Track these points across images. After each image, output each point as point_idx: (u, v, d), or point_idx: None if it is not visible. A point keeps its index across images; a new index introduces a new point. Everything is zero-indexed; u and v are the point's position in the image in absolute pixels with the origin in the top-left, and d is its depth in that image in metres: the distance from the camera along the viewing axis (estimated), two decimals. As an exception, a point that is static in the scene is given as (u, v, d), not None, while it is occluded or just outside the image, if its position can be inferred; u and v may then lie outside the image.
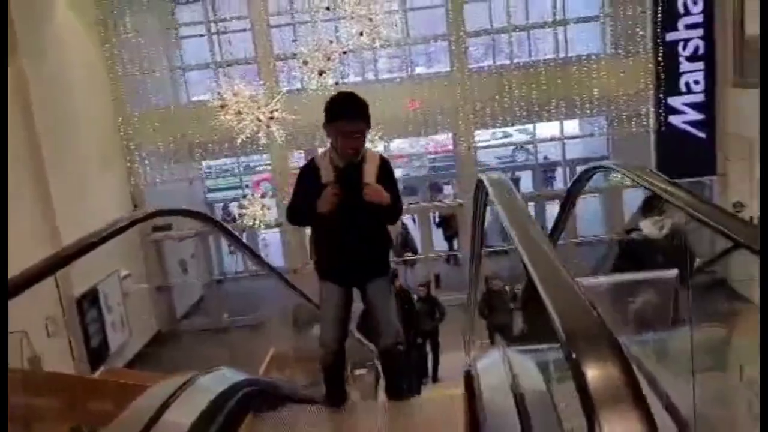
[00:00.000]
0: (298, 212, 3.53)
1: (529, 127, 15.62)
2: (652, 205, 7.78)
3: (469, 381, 2.93)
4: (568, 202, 3.38)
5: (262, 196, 12.47)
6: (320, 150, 13.27)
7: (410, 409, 3.38)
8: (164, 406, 2.42)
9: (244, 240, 17.72)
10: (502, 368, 2.72)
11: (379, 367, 8.15)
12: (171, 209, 3.49)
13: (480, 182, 2.98)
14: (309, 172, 3.46)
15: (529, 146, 17.06)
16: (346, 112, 3.34)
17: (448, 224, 16.23)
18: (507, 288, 10.27)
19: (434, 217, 16.26)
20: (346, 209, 3.30)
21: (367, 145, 3.53)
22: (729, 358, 1.58)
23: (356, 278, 3.52)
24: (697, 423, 2.08)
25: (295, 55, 12.16)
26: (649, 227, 7.15)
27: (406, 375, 3.87)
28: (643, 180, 2.55)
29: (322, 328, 3.53)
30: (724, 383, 1.63)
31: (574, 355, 1.00)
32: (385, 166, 3.44)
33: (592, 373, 0.96)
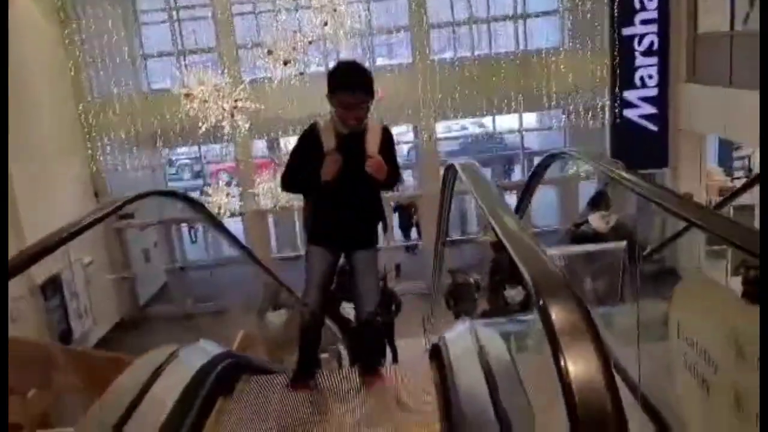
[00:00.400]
0: (294, 178, 3.47)
1: (483, 120, 15.87)
2: (599, 201, 8.21)
3: (437, 352, 3.12)
4: (530, 184, 3.61)
5: (227, 184, 12.53)
6: (282, 141, 13.22)
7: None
8: (155, 375, 2.57)
9: (210, 228, 17.67)
10: (469, 339, 2.92)
11: (343, 351, 8.29)
12: (164, 190, 3.62)
13: (450, 166, 3.17)
14: (310, 138, 3.41)
15: (483, 140, 17.38)
16: (347, 84, 3.27)
17: (404, 213, 16.35)
18: (472, 280, 10.54)
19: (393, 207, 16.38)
20: (346, 178, 3.30)
21: None
22: (670, 322, 1.80)
23: (347, 246, 3.53)
24: (641, 375, 2.32)
25: (259, 44, 12.21)
26: (596, 221, 7.55)
27: (378, 347, 3.99)
28: (602, 167, 2.77)
29: (306, 289, 3.50)
30: (665, 343, 1.86)
31: (541, 302, 1.20)
32: (387, 137, 3.44)
33: (556, 315, 1.16)
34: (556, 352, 1.11)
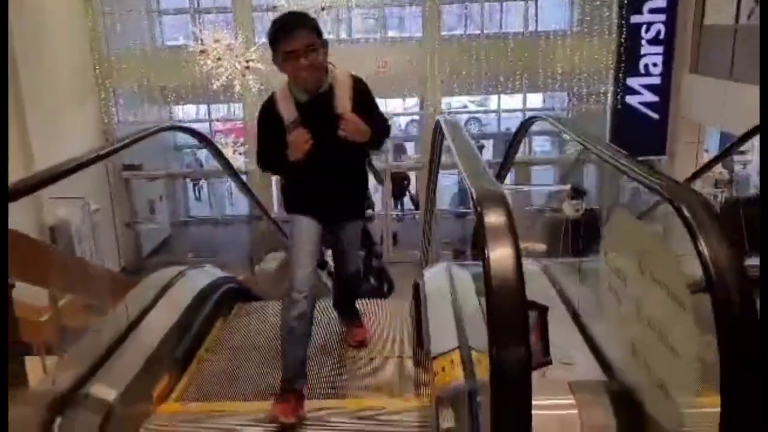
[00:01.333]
0: (267, 162, 3.00)
1: (481, 99, 16.04)
2: (574, 193, 8.83)
3: (417, 291, 3.48)
4: (512, 146, 3.94)
5: (234, 142, 12.83)
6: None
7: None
8: (166, 287, 2.94)
9: (211, 187, 17.85)
10: (444, 274, 3.29)
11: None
12: (183, 126, 3.96)
13: (437, 123, 3.48)
14: (269, 113, 2.88)
15: (482, 118, 17.65)
16: (286, 28, 2.71)
17: (396, 184, 16.58)
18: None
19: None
20: (318, 149, 2.77)
21: None
22: (601, 256, 2.16)
23: (332, 219, 3.08)
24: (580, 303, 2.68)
25: (275, 7, 12.42)
26: (567, 209, 8.25)
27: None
28: (573, 133, 3.09)
29: (295, 268, 2.83)
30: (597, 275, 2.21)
31: (479, 209, 1.54)
32: (358, 87, 2.88)
33: (488, 219, 1.51)
34: (484, 246, 1.46)
